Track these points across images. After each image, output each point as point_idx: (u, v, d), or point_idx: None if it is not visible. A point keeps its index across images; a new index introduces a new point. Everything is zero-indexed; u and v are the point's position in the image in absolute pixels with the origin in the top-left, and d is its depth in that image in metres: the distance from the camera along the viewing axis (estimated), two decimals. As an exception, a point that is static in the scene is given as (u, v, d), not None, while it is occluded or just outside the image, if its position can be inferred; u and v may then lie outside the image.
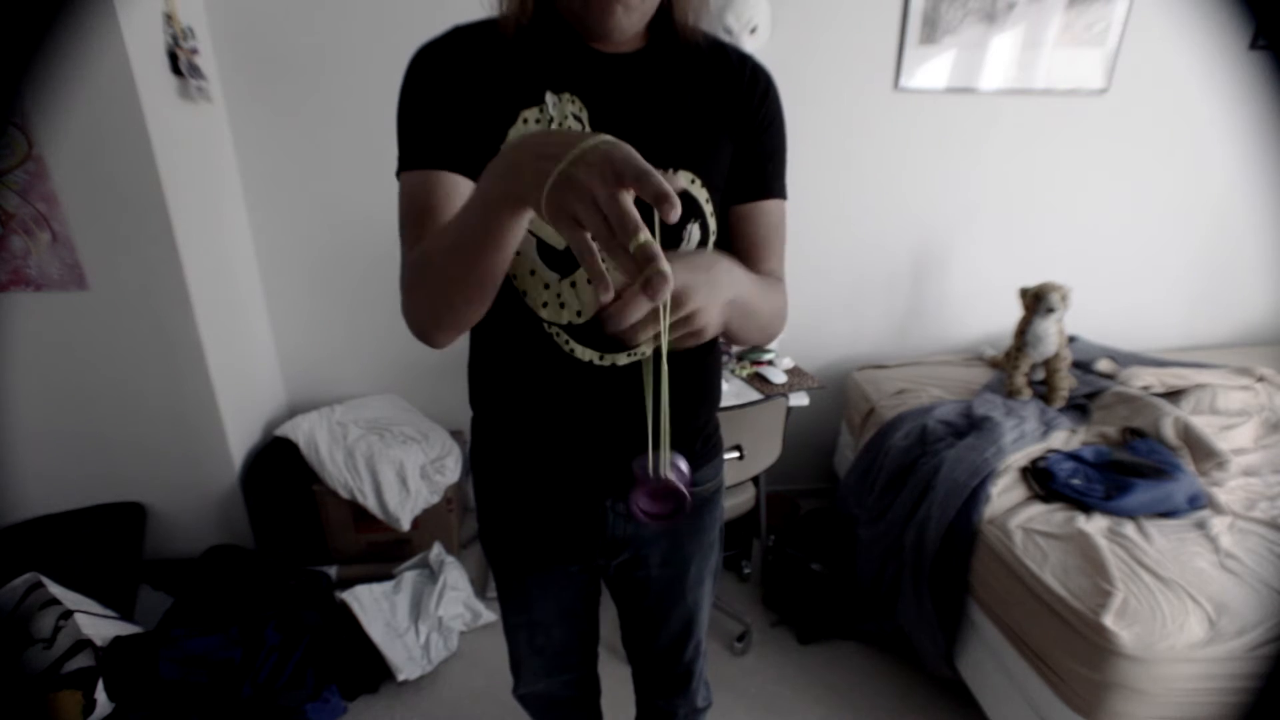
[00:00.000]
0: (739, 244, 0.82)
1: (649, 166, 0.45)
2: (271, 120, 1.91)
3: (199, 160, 1.76)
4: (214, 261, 1.81)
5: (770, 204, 0.82)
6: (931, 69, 2.08)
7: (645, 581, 0.98)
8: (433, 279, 0.65)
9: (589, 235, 0.47)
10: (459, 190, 0.71)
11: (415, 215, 0.71)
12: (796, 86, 2.06)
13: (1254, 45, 2.15)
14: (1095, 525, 1.49)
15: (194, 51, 1.70)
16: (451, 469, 2.08)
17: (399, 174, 0.73)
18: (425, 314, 0.68)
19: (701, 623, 1.06)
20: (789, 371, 2.04)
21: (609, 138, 0.47)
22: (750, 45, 1.91)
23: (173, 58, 1.62)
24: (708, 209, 0.77)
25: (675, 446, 0.88)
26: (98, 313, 1.67)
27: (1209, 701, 1.24)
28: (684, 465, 0.64)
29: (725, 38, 1.88)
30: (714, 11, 1.89)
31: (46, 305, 1.65)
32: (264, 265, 2.07)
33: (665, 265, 0.44)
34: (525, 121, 0.72)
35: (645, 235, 0.44)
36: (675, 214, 0.44)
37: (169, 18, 1.61)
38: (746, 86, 0.78)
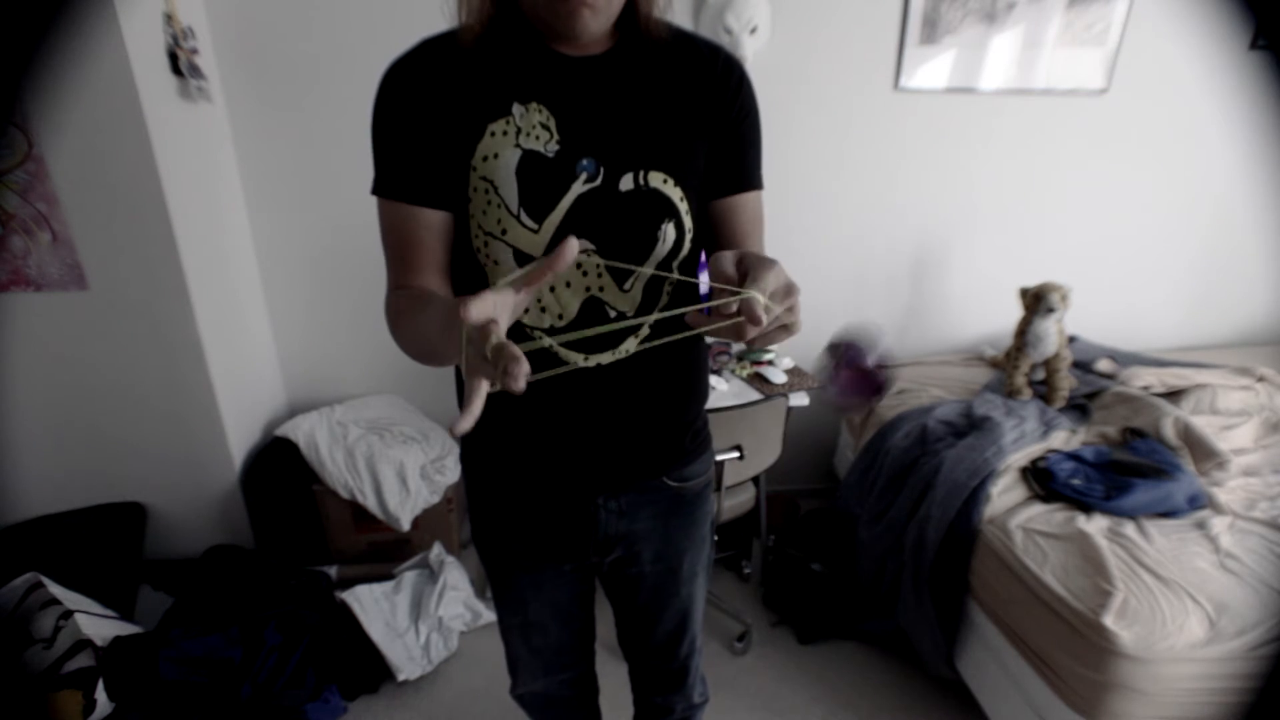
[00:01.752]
0: (722, 237, 0.83)
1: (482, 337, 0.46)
2: (271, 120, 1.91)
3: (199, 160, 1.76)
4: (214, 261, 1.81)
5: (750, 196, 0.82)
6: (931, 69, 2.08)
7: (638, 578, 0.98)
8: (405, 343, 0.71)
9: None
10: (431, 225, 0.74)
11: (393, 247, 0.76)
12: (796, 86, 2.07)
13: (1254, 45, 2.15)
14: (1095, 525, 1.49)
15: (194, 51, 1.70)
16: (451, 469, 2.08)
17: (374, 193, 0.75)
18: (407, 353, 0.73)
19: (696, 618, 1.06)
20: (789, 371, 2.04)
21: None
22: (750, 45, 1.90)
23: (173, 58, 1.62)
24: (682, 208, 0.76)
25: (665, 441, 0.89)
26: (98, 313, 1.67)
27: (1209, 701, 1.24)
28: (881, 341, 0.58)
29: (725, 38, 1.88)
30: (714, 11, 1.89)
31: (46, 305, 1.65)
32: (264, 265, 2.07)
33: (514, 351, 0.44)
34: (493, 135, 0.71)
35: (493, 338, 0.45)
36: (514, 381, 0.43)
37: (169, 18, 1.61)
38: (720, 80, 0.77)
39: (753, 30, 1.89)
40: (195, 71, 1.70)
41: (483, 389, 0.46)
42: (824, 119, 2.12)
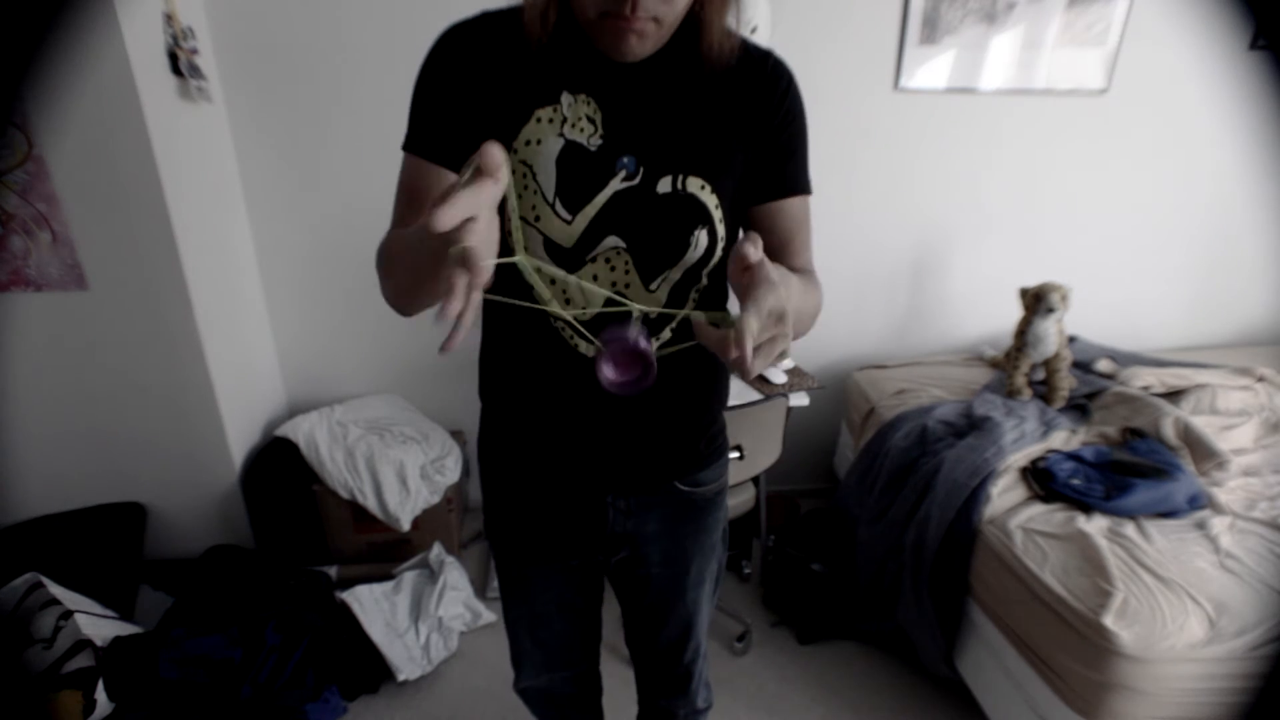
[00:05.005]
0: (768, 241, 0.81)
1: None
2: (271, 120, 1.91)
3: (199, 160, 1.76)
4: (214, 261, 1.81)
5: (796, 200, 0.81)
6: (931, 69, 2.08)
7: (646, 580, 0.98)
8: (393, 281, 0.70)
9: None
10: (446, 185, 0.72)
11: (402, 198, 0.76)
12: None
13: (1254, 45, 2.15)
14: (1095, 525, 1.49)
15: (194, 51, 1.70)
16: (451, 469, 2.08)
17: (404, 148, 0.75)
18: (390, 298, 0.72)
19: (701, 625, 1.06)
20: (789, 371, 2.04)
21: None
22: (750, 45, 1.90)
23: (173, 58, 1.62)
24: (716, 215, 0.76)
25: (678, 445, 0.90)
26: (98, 313, 1.67)
27: (1209, 701, 1.24)
28: (644, 339, 0.60)
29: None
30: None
31: (46, 305, 1.65)
32: (264, 265, 2.07)
33: (468, 244, 0.44)
34: (539, 120, 0.72)
35: (459, 246, 0.44)
36: (497, 175, 0.45)
37: (169, 18, 1.61)
38: (768, 86, 0.76)
39: (753, 30, 1.89)
40: (195, 71, 1.70)
41: (467, 298, 0.44)
42: (824, 119, 2.11)
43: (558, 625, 1.03)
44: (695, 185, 0.74)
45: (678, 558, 0.96)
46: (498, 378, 0.88)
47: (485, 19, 0.74)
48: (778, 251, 0.82)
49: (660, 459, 0.88)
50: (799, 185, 0.81)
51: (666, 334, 0.80)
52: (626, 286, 0.76)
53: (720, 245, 0.77)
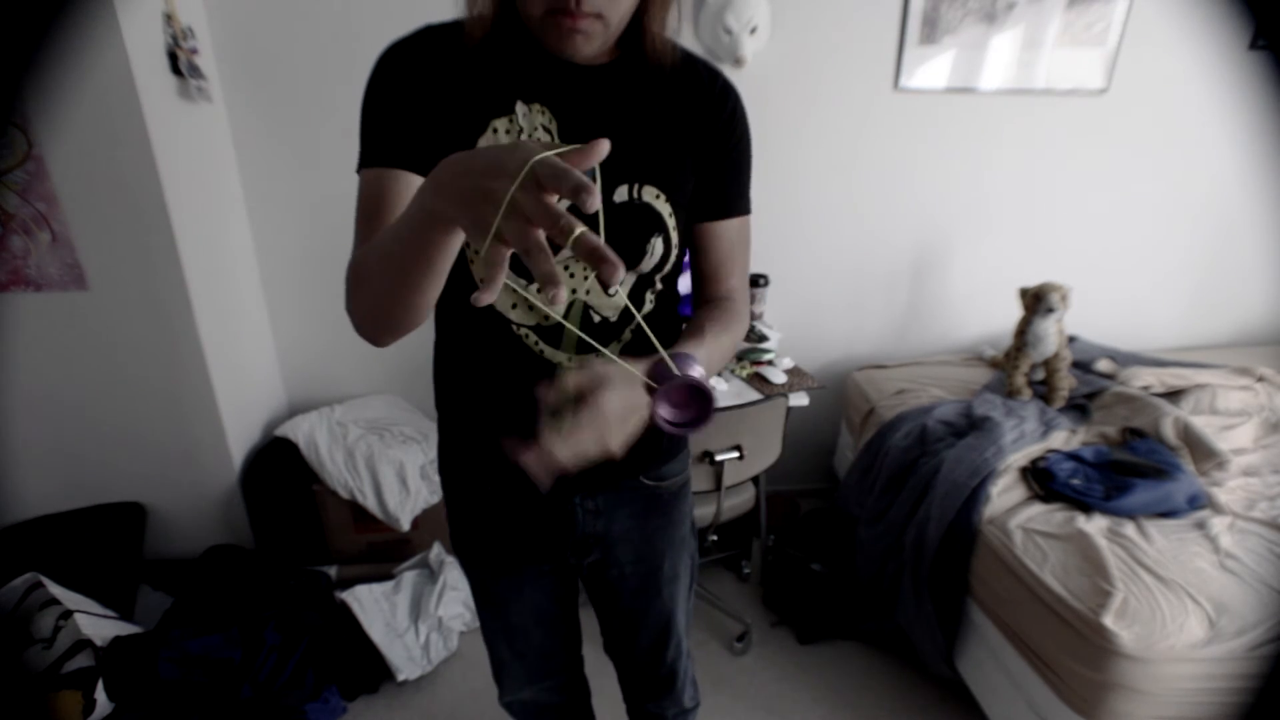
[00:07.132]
0: (703, 261, 0.84)
1: (564, 165, 0.43)
2: (271, 120, 1.91)
3: (199, 160, 1.76)
4: (214, 261, 1.81)
5: (734, 222, 0.83)
6: (931, 69, 2.08)
7: (619, 581, 0.98)
8: (369, 287, 0.65)
9: (532, 238, 0.45)
10: (413, 189, 0.70)
11: (366, 213, 0.73)
12: (796, 86, 2.07)
13: (1254, 45, 2.15)
14: (1095, 525, 1.49)
15: (194, 51, 1.70)
16: (451, 469, 2.08)
17: (358, 171, 0.74)
18: (363, 317, 0.68)
19: (680, 621, 1.05)
20: (789, 371, 2.04)
21: (530, 151, 0.45)
22: (750, 45, 1.90)
23: (173, 58, 1.62)
24: (670, 224, 0.77)
25: (641, 440, 0.88)
26: (98, 313, 1.67)
27: (1209, 701, 1.24)
28: (699, 368, 0.60)
29: (725, 38, 1.88)
30: (714, 11, 1.89)
31: (46, 305, 1.65)
32: (264, 265, 2.07)
33: (596, 243, 0.44)
34: (495, 131, 0.72)
35: (580, 228, 0.44)
36: (593, 201, 0.42)
37: (169, 18, 1.61)
38: (715, 104, 0.78)
39: (753, 30, 1.89)
40: (195, 71, 1.70)
41: (504, 258, 0.49)
42: (824, 119, 2.12)
43: (535, 635, 1.02)
44: (650, 194, 0.75)
45: (649, 555, 0.96)
46: (460, 387, 0.87)
47: (428, 33, 0.74)
48: (712, 271, 0.84)
49: (625, 456, 0.88)
50: (740, 207, 0.83)
51: (627, 335, 0.81)
52: (588, 292, 0.78)
53: (674, 254, 0.79)
